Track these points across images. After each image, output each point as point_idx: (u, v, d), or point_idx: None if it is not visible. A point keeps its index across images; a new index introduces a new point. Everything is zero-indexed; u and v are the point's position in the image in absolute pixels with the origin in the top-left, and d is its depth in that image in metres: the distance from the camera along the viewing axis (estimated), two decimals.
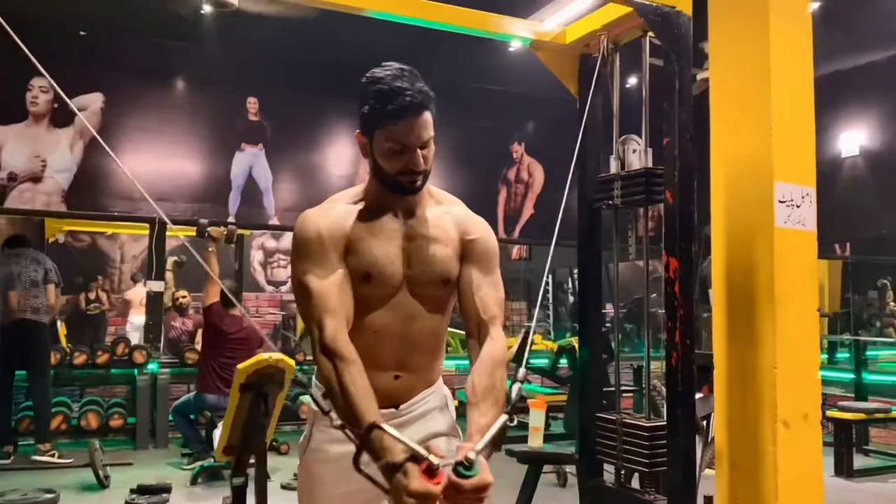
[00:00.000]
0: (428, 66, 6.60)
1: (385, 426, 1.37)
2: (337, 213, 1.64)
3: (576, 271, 11.79)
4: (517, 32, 3.08)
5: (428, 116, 1.55)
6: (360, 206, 1.66)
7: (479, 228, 1.72)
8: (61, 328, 5.83)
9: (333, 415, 1.46)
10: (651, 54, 3.00)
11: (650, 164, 2.87)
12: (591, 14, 3.01)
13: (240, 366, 3.05)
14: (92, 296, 10.01)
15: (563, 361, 6.33)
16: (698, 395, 3.25)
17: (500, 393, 1.53)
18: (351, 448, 1.46)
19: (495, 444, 1.43)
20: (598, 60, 3.11)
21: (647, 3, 2.56)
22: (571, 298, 14.58)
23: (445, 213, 1.70)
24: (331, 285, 1.56)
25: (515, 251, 14.33)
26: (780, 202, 2.62)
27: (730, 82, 2.81)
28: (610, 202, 2.95)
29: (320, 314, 1.53)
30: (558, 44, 3.14)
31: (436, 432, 1.70)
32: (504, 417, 1.47)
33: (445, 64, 7.39)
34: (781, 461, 2.42)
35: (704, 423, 2.86)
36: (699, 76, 3.21)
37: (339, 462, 1.59)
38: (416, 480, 1.31)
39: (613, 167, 2.99)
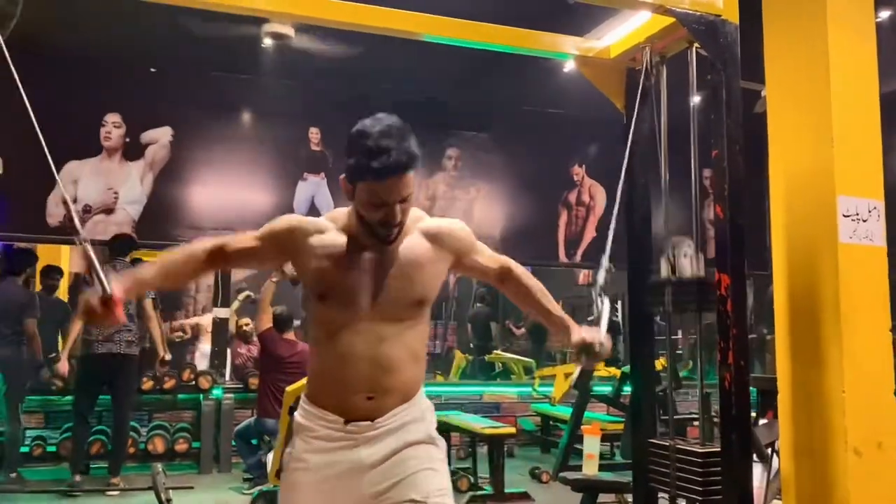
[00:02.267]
0: (483, 90, 6.64)
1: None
2: (308, 233, 1.78)
3: None
4: (562, 49, 3.04)
5: (409, 177, 1.66)
6: (343, 237, 1.77)
7: (449, 232, 1.88)
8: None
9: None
10: (698, 66, 2.91)
11: (702, 272, 2.74)
12: (636, 28, 2.95)
13: (288, 388, 3.06)
14: (176, 324, 10.37)
15: (628, 389, 6.14)
16: (763, 421, 3.08)
17: (549, 294, 1.97)
18: (333, 458, 1.73)
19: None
20: (643, 74, 3.04)
21: (691, 12, 2.48)
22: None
23: (417, 239, 1.81)
24: (247, 244, 1.83)
25: (582, 276, 14.11)
26: (845, 216, 2.49)
27: (787, 92, 2.71)
28: (662, 308, 2.82)
29: (219, 240, 1.85)
30: (603, 59, 3.09)
31: (411, 441, 1.77)
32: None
33: (500, 87, 7.39)
34: (853, 493, 2.27)
35: (769, 450, 2.71)
36: (764, 93, 3.09)
37: (319, 471, 1.74)
38: (93, 297, 1.65)
39: (664, 270, 2.89)
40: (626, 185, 2.98)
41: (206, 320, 9.27)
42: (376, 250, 1.74)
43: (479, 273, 1.99)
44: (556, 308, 1.99)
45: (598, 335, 1.86)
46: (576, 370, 6.09)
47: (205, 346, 9.01)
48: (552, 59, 7.08)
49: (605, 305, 2.10)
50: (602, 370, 6.18)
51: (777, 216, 2.65)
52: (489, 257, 1.96)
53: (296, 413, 1.86)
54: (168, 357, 5.95)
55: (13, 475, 5.44)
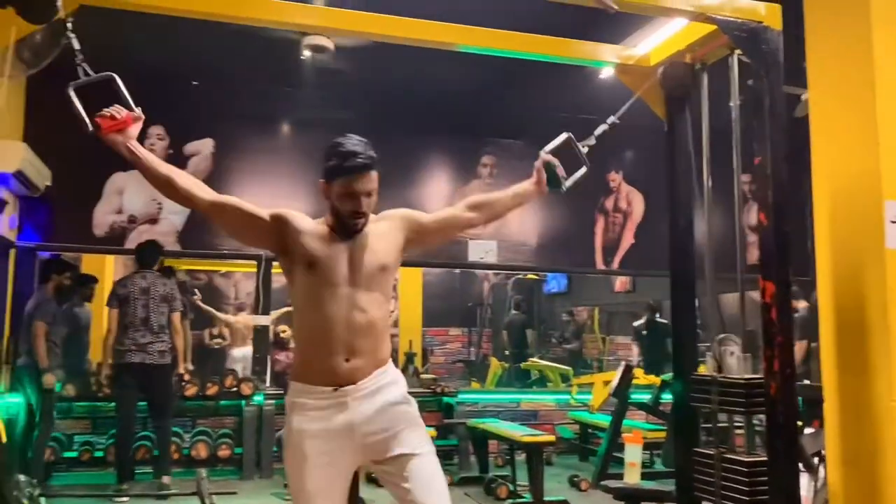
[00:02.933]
0: (518, 98, 6.63)
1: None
2: (301, 218, 2.21)
3: None
4: (601, 57, 3.05)
5: (373, 175, 2.13)
6: (322, 226, 2.19)
7: (395, 212, 2.33)
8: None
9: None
10: (740, 72, 2.89)
11: (750, 372, 2.68)
12: (676, 34, 2.94)
13: None
14: (216, 331, 10.54)
15: (667, 396, 6.08)
16: (809, 430, 3.03)
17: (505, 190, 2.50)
18: (328, 422, 2.10)
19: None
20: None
21: (733, 19, 2.47)
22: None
23: (375, 223, 2.23)
24: (244, 206, 2.25)
25: (619, 283, 13.96)
26: (893, 222, 2.45)
27: (831, 95, 2.67)
28: (707, 406, 2.78)
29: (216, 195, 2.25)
30: (643, 67, 3.08)
31: (391, 401, 2.16)
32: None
33: (535, 94, 7.39)
34: None
35: (816, 460, 2.67)
36: (804, 97, 3.05)
37: (318, 436, 2.09)
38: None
39: (710, 365, 2.88)
40: (668, 192, 2.96)
41: (242, 320, 9.40)
42: (349, 236, 2.16)
43: (446, 226, 2.41)
44: (521, 187, 2.53)
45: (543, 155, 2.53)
46: (615, 378, 6.06)
47: (237, 351, 9.16)
48: (588, 66, 7.09)
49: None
50: (642, 378, 6.12)
51: (821, 221, 2.62)
52: (441, 212, 2.42)
53: (286, 397, 2.21)
54: (186, 375, 6.04)
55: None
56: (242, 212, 2.23)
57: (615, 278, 13.71)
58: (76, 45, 2.36)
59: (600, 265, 7.94)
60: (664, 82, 2.83)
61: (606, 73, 6.86)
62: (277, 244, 2.20)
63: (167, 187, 2.24)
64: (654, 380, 6.15)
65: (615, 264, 7.97)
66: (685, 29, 2.80)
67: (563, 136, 2.38)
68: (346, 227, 2.14)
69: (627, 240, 7.97)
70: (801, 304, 6.20)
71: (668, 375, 6.39)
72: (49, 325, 5.71)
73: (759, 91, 2.61)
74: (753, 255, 8.51)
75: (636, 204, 8.05)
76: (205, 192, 2.23)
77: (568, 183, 2.56)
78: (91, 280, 6.94)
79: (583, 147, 2.42)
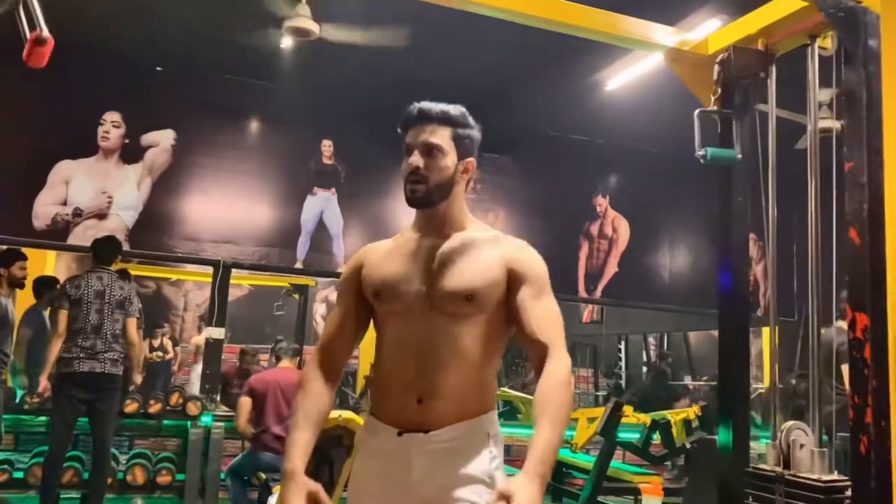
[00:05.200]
0: (507, 111, 6.09)
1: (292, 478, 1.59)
2: (370, 250, 1.86)
3: (651, 338, 10.95)
4: (653, 39, 2.60)
5: (435, 128, 1.72)
6: (400, 239, 1.84)
7: (526, 253, 1.76)
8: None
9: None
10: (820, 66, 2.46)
11: (829, 471, 2.15)
12: (743, 18, 2.51)
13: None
14: (156, 343, 9.78)
15: (656, 437, 5.64)
16: None
17: (559, 412, 1.54)
18: (387, 470, 1.69)
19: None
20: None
21: None
22: (644, 368, 13.74)
23: (486, 238, 1.77)
24: (333, 324, 1.82)
25: (586, 313, 13.61)
26: None
27: None
28: None
29: (317, 347, 1.83)
30: (699, 55, 2.63)
31: (466, 475, 1.65)
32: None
33: (523, 110, 7.00)
34: None
35: None
36: (821, 124, 2.64)
37: (375, 482, 1.72)
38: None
39: (772, 458, 2.33)
40: (721, 212, 2.50)
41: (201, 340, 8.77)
42: (427, 244, 1.77)
43: (516, 321, 1.69)
44: (541, 430, 1.50)
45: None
46: (602, 415, 5.59)
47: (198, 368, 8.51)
48: (580, 82, 6.75)
49: None
50: (630, 416, 5.66)
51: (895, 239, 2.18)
52: (541, 314, 1.67)
53: (358, 432, 1.91)
54: (135, 384, 5.39)
55: None
56: (345, 324, 1.81)
57: (584, 308, 13.38)
58: None
59: (583, 293, 7.51)
60: (728, 72, 2.39)
61: (600, 90, 6.52)
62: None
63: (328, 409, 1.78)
64: (644, 418, 5.69)
65: (598, 293, 7.55)
66: (757, 11, 2.38)
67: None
68: (406, 194, 1.74)
69: (612, 268, 7.57)
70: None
71: (658, 415, 5.96)
72: None
73: (854, 83, 2.17)
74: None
75: (622, 231, 7.68)
76: (331, 360, 1.80)
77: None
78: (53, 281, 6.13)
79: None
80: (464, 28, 4.68)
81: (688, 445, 5.55)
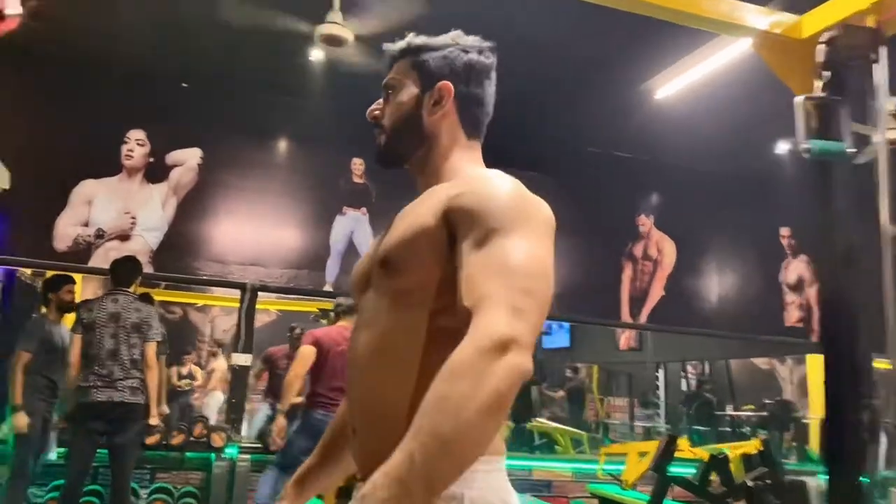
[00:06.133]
0: (543, 127, 5.70)
1: None
2: None
3: (689, 366, 10.42)
4: (740, 21, 2.25)
5: (395, 67, 1.37)
6: None
7: (476, 185, 1.18)
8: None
9: None
10: None
11: None
12: None
13: None
14: (185, 370, 9.50)
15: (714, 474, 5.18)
16: None
17: (430, 418, 0.92)
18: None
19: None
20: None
21: None
22: (684, 396, 13.17)
23: (448, 185, 1.23)
24: None
25: (623, 340, 13.14)
26: None
27: None
28: None
29: None
30: (791, 38, 2.28)
31: None
32: None
33: (560, 126, 6.68)
34: None
35: None
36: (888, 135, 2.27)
37: None
38: None
39: None
40: (819, 222, 2.12)
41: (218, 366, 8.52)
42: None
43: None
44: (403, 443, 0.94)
45: None
46: (655, 449, 5.17)
47: (218, 396, 8.24)
48: (620, 96, 6.40)
49: None
50: (686, 451, 5.23)
51: None
52: (474, 269, 1.05)
53: None
54: (157, 419, 5.06)
55: None
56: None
57: (620, 334, 12.91)
58: None
59: (627, 318, 7.09)
60: (836, 54, 2.04)
61: (647, 101, 6.16)
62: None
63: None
64: (701, 453, 5.25)
65: (643, 318, 7.13)
66: None
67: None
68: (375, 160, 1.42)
69: (657, 291, 7.16)
70: None
71: (715, 448, 5.52)
72: (34, 355, 4.88)
73: None
74: (792, 315, 7.73)
75: (667, 252, 7.27)
76: None
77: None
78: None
79: None
80: (499, 37, 4.38)
81: (749, 483, 5.09)
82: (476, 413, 0.91)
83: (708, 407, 9.91)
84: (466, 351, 0.95)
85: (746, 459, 5.25)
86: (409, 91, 1.33)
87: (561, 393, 11.18)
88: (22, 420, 4.79)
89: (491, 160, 1.29)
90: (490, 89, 1.40)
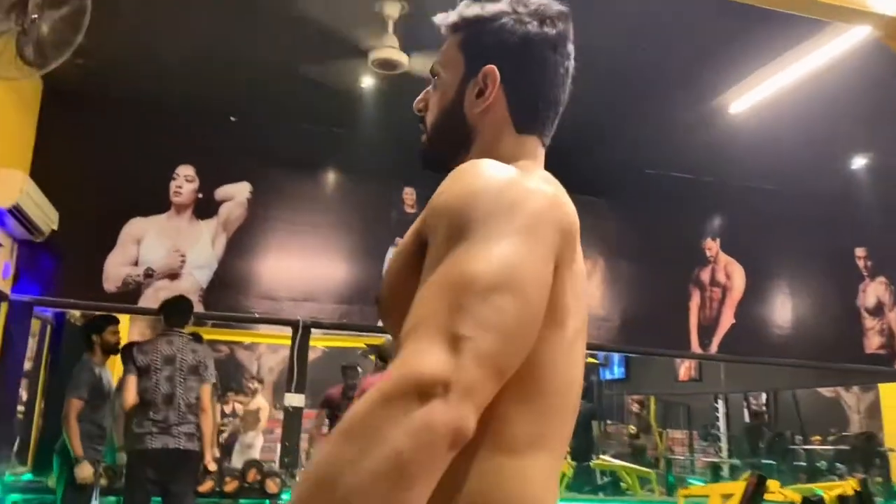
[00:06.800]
0: (599, 151, 5.36)
1: None
2: None
3: (751, 397, 9.87)
4: (865, 6, 1.96)
5: (450, 43, 1.11)
6: None
7: (445, 182, 0.93)
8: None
9: None
10: None
11: None
12: None
13: None
14: (228, 409, 9.31)
15: None
16: None
17: (301, 491, 0.70)
18: None
19: None
20: None
21: None
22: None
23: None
24: None
25: (683, 371, 12.59)
26: None
27: None
28: None
29: None
30: None
31: None
32: None
33: (619, 148, 6.40)
34: None
35: None
36: None
37: None
38: None
39: None
40: None
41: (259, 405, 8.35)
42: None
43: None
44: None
45: None
46: (742, 490, 4.76)
47: (248, 438, 8.09)
48: (675, 117, 6.07)
49: None
50: (776, 493, 4.80)
51: None
52: (421, 293, 0.82)
53: None
54: (213, 465, 4.83)
55: None
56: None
57: (680, 365, 12.39)
58: None
59: (696, 348, 6.69)
60: None
61: (720, 116, 5.80)
62: None
63: None
64: (793, 496, 4.82)
65: (713, 348, 6.71)
66: None
67: None
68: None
69: (727, 319, 6.75)
70: None
71: (807, 488, 5.07)
72: (86, 402, 4.70)
73: None
74: (873, 342, 7.24)
75: (736, 277, 6.87)
76: None
77: None
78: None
79: None
80: None
81: None
82: (358, 488, 0.66)
83: (781, 440, 9.35)
84: (367, 399, 0.72)
85: (843, 501, 4.81)
86: (454, 78, 1.09)
87: (632, 428, 10.69)
88: (88, 471, 4.61)
89: None
90: (557, 68, 1.09)
